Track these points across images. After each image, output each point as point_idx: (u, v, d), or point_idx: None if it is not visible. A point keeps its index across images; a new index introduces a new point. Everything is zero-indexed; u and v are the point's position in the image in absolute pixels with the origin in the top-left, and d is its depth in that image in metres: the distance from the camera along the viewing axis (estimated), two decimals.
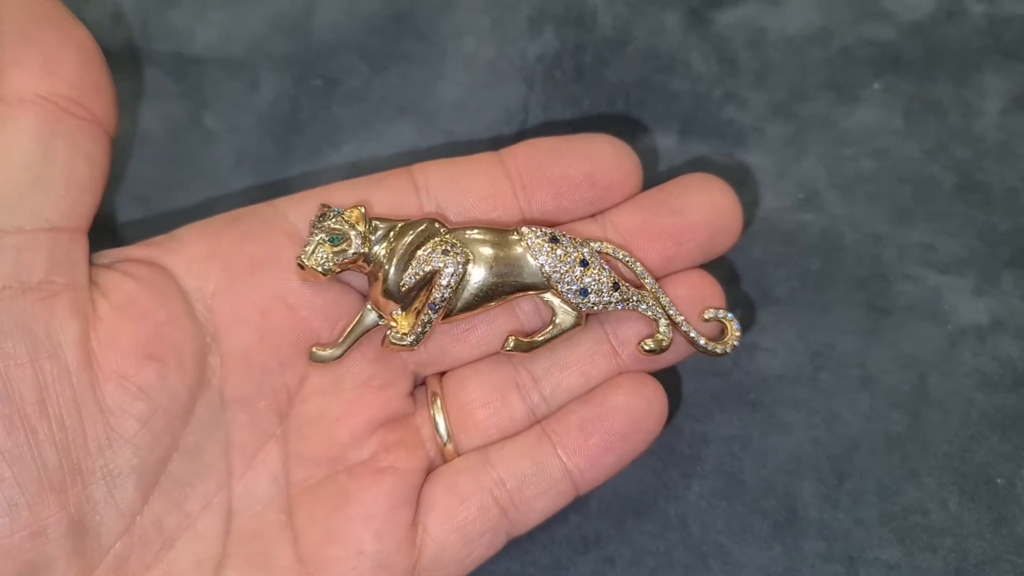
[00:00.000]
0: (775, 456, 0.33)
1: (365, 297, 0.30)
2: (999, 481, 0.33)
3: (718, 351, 0.30)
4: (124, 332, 0.26)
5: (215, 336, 0.28)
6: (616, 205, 0.31)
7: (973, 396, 0.33)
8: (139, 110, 0.37)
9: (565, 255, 0.29)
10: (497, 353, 0.31)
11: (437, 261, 0.28)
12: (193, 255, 0.29)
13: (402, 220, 0.29)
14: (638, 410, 0.29)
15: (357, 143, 0.36)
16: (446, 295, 0.29)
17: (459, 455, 0.30)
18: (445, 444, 0.30)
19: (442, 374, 0.31)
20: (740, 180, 0.36)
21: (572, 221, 0.31)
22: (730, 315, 0.31)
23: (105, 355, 0.26)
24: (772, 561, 0.32)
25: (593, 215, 0.31)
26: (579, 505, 0.33)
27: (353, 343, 0.29)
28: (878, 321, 0.35)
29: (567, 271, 0.29)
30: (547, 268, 0.29)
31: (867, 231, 0.36)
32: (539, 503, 0.29)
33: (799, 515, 0.33)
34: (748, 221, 0.36)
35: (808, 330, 0.35)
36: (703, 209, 0.30)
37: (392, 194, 0.30)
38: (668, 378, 0.34)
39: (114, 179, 0.35)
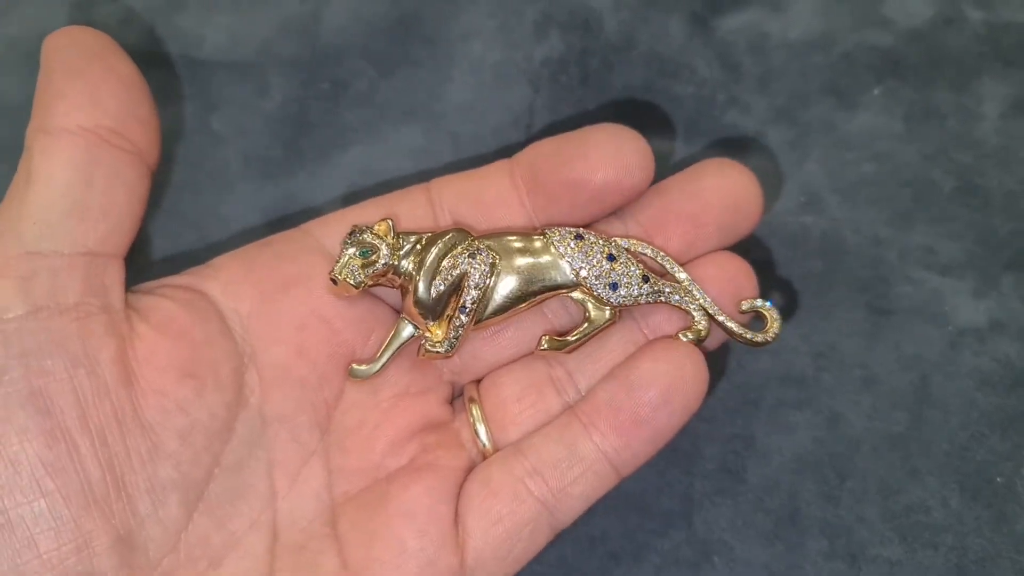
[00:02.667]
0: (778, 455, 0.34)
1: (398, 311, 0.31)
2: (999, 480, 0.33)
3: (758, 340, 0.30)
4: (162, 350, 0.27)
5: (252, 355, 0.29)
6: (632, 201, 0.30)
7: (973, 396, 0.34)
8: None
9: (591, 251, 0.29)
10: (531, 353, 0.31)
11: (464, 265, 0.29)
12: (228, 278, 0.29)
13: (429, 232, 0.29)
14: (670, 377, 0.28)
15: (365, 146, 0.37)
16: (475, 297, 0.29)
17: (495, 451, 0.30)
18: (484, 446, 0.30)
19: (479, 381, 0.31)
20: None
21: (594, 221, 0.31)
22: (768, 303, 0.30)
23: (143, 372, 0.27)
24: (775, 558, 0.32)
25: (611, 211, 0.30)
26: None
27: (391, 356, 0.30)
28: (879, 322, 0.35)
29: (595, 266, 0.29)
30: (575, 265, 0.29)
31: (868, 234, 0.36)
32: (576, 489, 0.28)
33: (802, 513, 0.33)
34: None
35: (810, 331, 0.35)
36: (720, 191, 0.30)
37: (411, 210, 0.31)
38: None
39: None
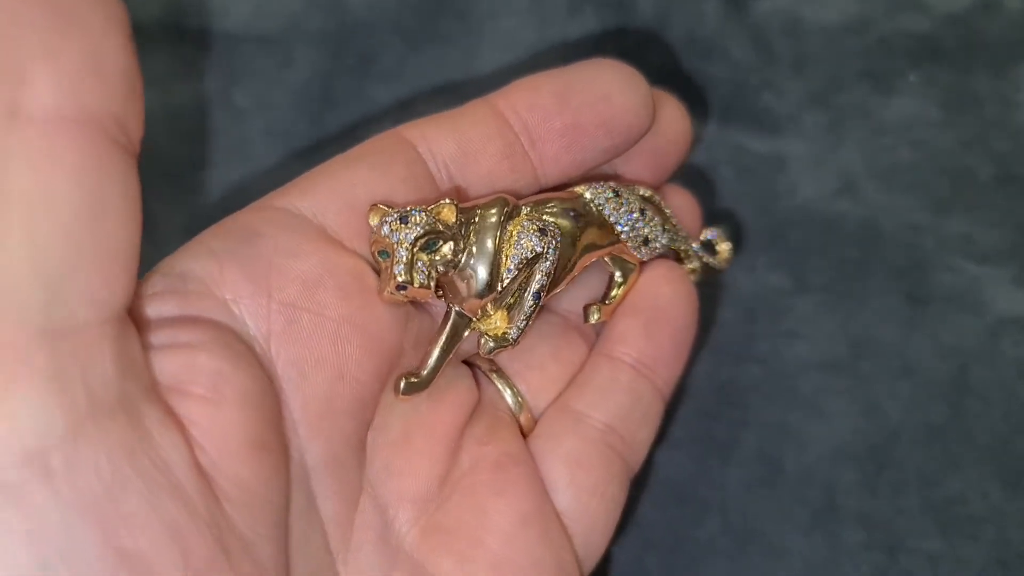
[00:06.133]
0: (815, 444, 0.33)
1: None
2: None
3: (717, 267, 0.32)
4: (230, 426, 0.20)
5: (283, 391, 0.22)
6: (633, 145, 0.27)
7: (1014, 387, 0.33)
8: (171, 86, 0.36)
9: (629, 207, 0.28)
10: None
11: (538, 245, 0.25)
12: (232, 294, 0.22)
13: (472, 207, 0.25)
14: (686, 296, 0.29)
15: (391, 122, 0.35)
16: (546, 281, 0.25)
17: (535, 420, 0.28)
18: (518, 413, 0.28)
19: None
20: (777, 168, 0.36)
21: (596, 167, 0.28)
22: (719, 233, 0.32)
23: (217, 467, 0.19)
24: (813, 549, 0.32)
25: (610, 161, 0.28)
26: None
27: (445, 359, 0.25)
28: (917, 311, 0.34)
29: (634, 222, 0.28)
30: (619, 225, 0.28)
31: (905, 221, 0.35)
32: (643, 433, 0.28)
33: (839, 504, 0.32)
34: (785, 209, 0.36)
35: (847, 319, 0.34)
36: (666, 120, 0.29)
37: (409, 173, 0.25)
38: (707, 364, 0.33)
39: (144, 155, 0.35)
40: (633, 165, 0.30)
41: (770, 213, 0.36)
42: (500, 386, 0.28)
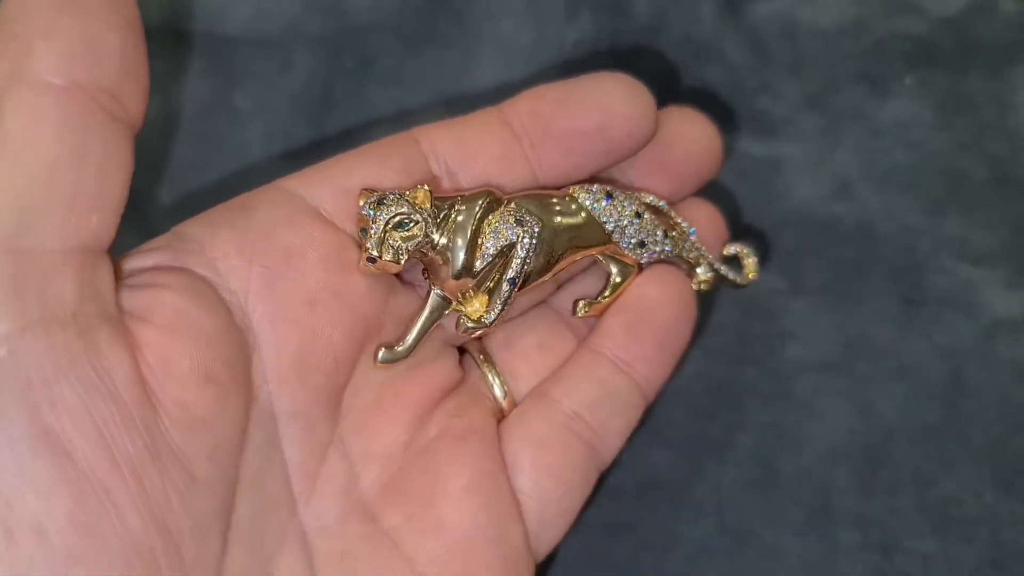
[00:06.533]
0: (810, 445, 0.33)
1: (403, 279, 0.29)
2: None
3: (741, 282, 0.32)
4: (177, 355, 0.22)
5: (257, 343, 0.25)
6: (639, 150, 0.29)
7: (1008, 388, 0.33)
8: (170, 89, 0.36)
9: (622, 210, 0.29)
10: (532, 308, 0.31)
11: (512, 233, 0.27)
12: (219, 252, 0.25)
13: (454, 195, 0.27)
14: (677, 299, 0.29)
15: (391, 125, 0.36)
16: (523, 268, 0.27)
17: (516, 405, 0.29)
18: (502, 399, 0.29)
19: (479, 338, 0.30)
20: (773, 170, 0.36)
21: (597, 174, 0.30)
22: (746, 248, 0.32)
23: (162, 386, 0.22)
24: (807, 550, 0.32)
25: (614, 166, 0.30)
26: (613, 490, 0.33)
27: (423, 334, 0.27)
28: (912, 312, 0.35)
29: (626, 225, 0.29)
30: (609, 225, 0.29)
31: (900, 222, 0.36)
32: (615, 424, 0.28)
33: (834, 504, 0.32)
34: (781, 211, 0.36)
35: (842, 320, 0.35)
36: (690, 138, 0.31)
37: (405, 164, 0.27)
38: (702, 364, 0.34)
39: (142, 158, 0.35)
40: (645, 175, 0.31)
41: (766, 215, 0.36)
42: (486, 370, 0.29)
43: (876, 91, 0.37)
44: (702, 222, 0.31)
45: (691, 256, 0.31)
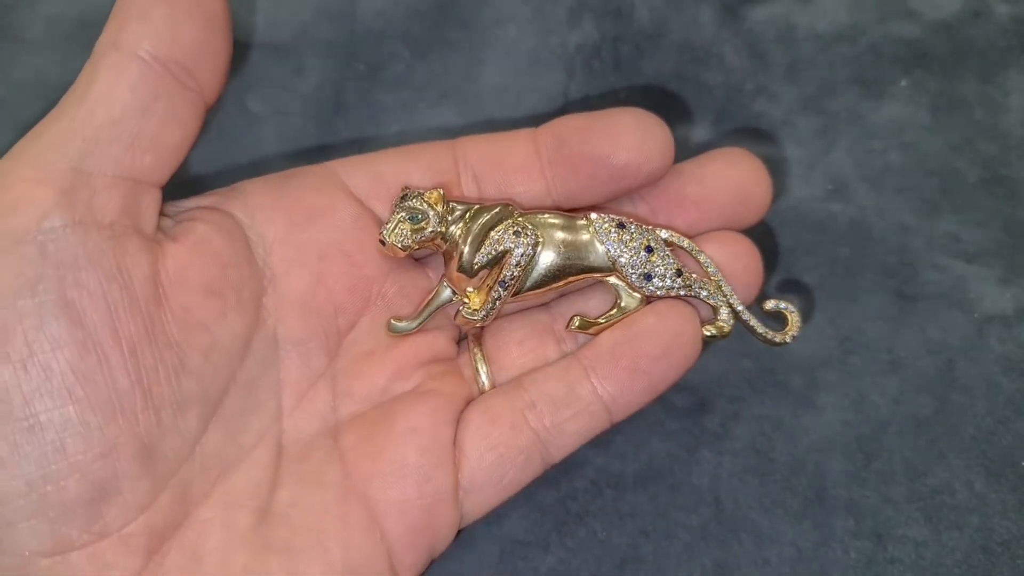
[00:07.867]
0: (805, 436, 0.34)
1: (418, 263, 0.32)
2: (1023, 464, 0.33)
3: (777, 340, 0.31)
4: (191, 269, 0.28)
5: (272, 279, 0.30)
6: (649, 185, 0.31)
7: (999, 381, 0.34)
8: None
9: (631, 240, 0.30)
10: (536, 306, 0.32)
11: (508, 242, 0.30)
12: (256, 204, 0.30)
13: (478, 203, 0.30)
14: (670, 333, 0.30)
15: (399, 128, 0.37)
16: (515, 274, 0.30)
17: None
18: (483, 383, 0.31)
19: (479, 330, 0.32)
20: (771, 171, 0.37)
21: (610, 200, 0.32)
22: (791, 307, 0.31)
23: (172, 290, 0.27)
24: (802, 537, 0.33)
25: (625, 193, 0.31)
26: (614, 479, 0.34)
27: (429, 316, 0.31)
28: (905, 308, 0.35)
29: (632, 256, 0.30)
30: (613, 253, 0.30)
31: (895, 221, 0.37)
32: (571, 426, 0.30)
33: (829, 493, 0.33)
34: (778, 210, 0.37)
35: (837, 316, 0.35)
36: (728, 179, 0.31)
37: (434, 163, 0.31)
38: (700, 358, 0.34)
39: None
40: (674, 210, 0.32)
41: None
42: (476, 357, 0.32)
43: (871, 94, 0.38)
44: (734, 258, 0.31)
45: (712, 300, 0.31)
